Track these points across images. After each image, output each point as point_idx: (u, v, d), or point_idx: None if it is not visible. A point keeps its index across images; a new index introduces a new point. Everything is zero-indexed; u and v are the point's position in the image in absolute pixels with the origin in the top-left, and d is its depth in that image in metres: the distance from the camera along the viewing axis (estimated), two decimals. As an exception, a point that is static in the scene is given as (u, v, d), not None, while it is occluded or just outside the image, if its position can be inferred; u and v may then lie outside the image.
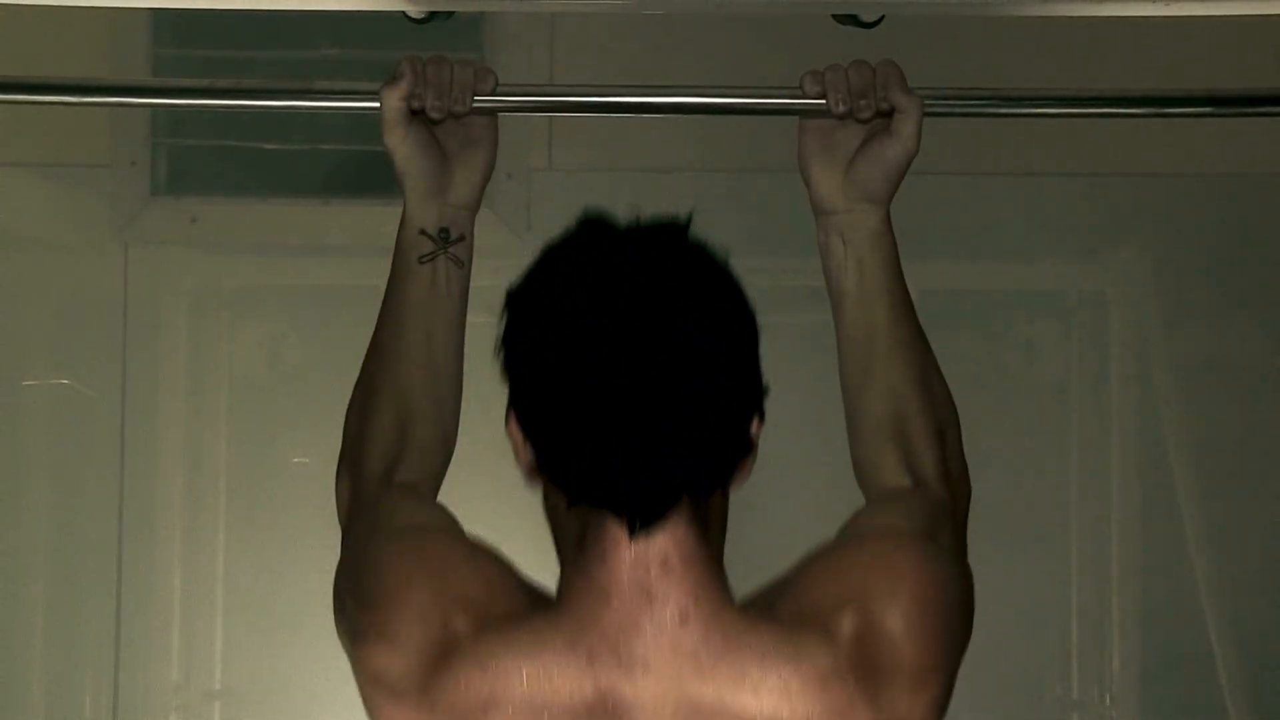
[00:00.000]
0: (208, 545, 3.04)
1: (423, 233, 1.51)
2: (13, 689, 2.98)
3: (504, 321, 1.28)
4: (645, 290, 1.23)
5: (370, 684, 1.33)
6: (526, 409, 1.27)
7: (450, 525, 1.40)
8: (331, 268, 3.01)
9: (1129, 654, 3.05)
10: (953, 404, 1.50)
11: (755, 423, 1.28)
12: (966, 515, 1.45)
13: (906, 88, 1.49)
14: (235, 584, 3.04)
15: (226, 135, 2.90)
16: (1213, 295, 3.02)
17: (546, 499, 1.32)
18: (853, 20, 1.75)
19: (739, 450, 1.27)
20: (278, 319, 3.09)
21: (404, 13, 1.72)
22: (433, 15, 1.73)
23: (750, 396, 1.27)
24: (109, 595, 2.98)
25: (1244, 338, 3.01)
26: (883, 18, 1.73)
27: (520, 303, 1.28)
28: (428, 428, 1.50)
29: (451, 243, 1.52)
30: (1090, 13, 1.70)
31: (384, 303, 1.53)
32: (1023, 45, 2.73)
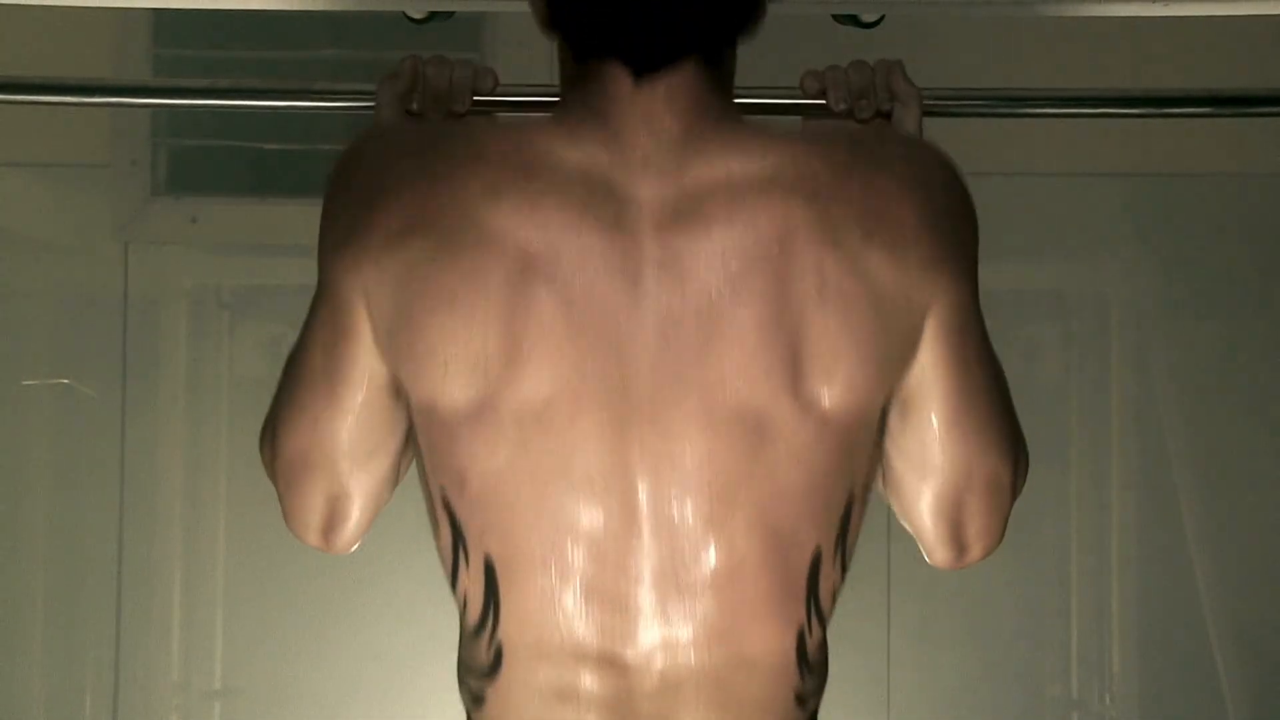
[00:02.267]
0: (208, 545, 3.04)
1: None
2: (13, 689, 2.98)
3: None
4: None
5: (367, 191, 1.32)
6: None
7: None
8: (331, 268, 3.00)
9: (1129, 654, 3.05)
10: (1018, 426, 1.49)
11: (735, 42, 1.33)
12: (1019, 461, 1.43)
13: (906, 79, 1.49)
14: (235, 584, 3.04)
15: (226, 135, 2.90)
16: (1213, 295, 3.02)
17: (561, 64, 1.35)
18: (853, 20, 1.75)
19: (749, 4, 1.32)
20: (278, 319, 3.09)
21: (404, 13, 1.72)
22: (433, 15, 1.73)
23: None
24: (109, 595, 2.98)
25: (1244, 338, 3.01)
26: (883, 18, 1.73)
27: None
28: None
29: None
30: (1090, 13, 1.70)
31: None
32: (1023, 45, 2.73)
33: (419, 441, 1.31)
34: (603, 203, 1.25)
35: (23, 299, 3.02)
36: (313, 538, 1.38)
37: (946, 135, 1.62)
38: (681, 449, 1.23)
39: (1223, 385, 3.01)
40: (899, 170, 1.29)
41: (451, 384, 1.24)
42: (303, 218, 2.96)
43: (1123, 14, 1.69)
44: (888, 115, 1.49)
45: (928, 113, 1.50)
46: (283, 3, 1.86)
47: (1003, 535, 1.36)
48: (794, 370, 1.23)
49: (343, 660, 2.82)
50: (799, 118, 1.53)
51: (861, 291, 1.24)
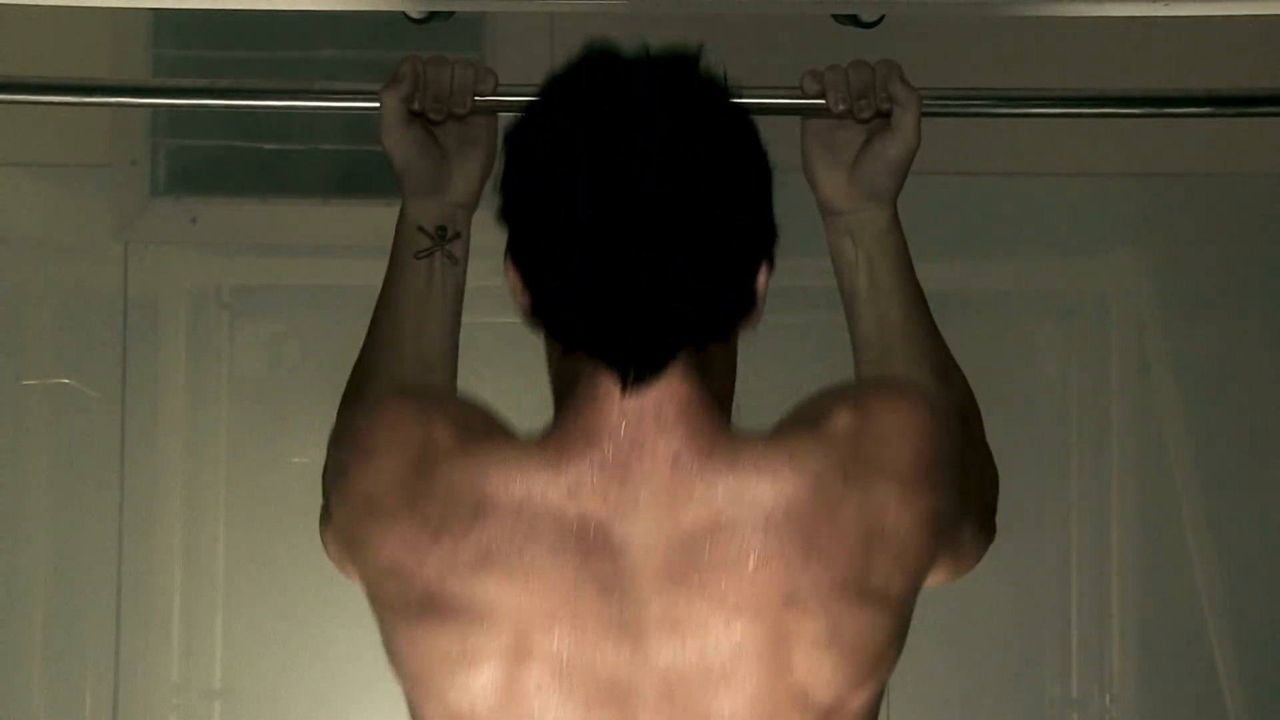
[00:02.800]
0: (208, 545, 3.04)
1: (420, 229, 1.51)
2: (13, 689, 2.98)
3: (502, 160, 1.25)
4: (649, 124, 1.18)
5: (360, 515, 1.27)
6: (522, 250, 1.22)
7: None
8: (331, 268, 3.01)
9: (1129, 654, 3.06)
10: (973, 397, 1.50)
11: (764, 271, 1.23)
12: (994, 507, 1.45)
13: (906, 82, 1.49)
14: (235, 584, 3.04)
15: (226, 135, 2.90)
16: (1213, 295, 3.02)
17: (546, 344, 1.30)
18: (853, 20, 1.75)
19: (743, 301, 1.23)
20: (278, 319, 3.09)
21: (404, 13, 1.72)
22: (433, 15, 1.73)
23: (759, 242, 1.23)
24: (109, 595, 2.98)
25: (1244, 338, 3.01)
26: (883, 18, 1.73)
27: (519, 138, 1.24)
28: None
29: (448, 240, 1.52)
30: (1090, 13, 1.70)
31: (380, 295, 1.53)
32: (1023, 45, 2.73)
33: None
34: (599, 557, 1.20)
35: (23, 299, 3.02)
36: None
37: (947, 135, 1.62)
38: None
39: (1223, 385, 3.01)
40: (892, 477, 1.23)
41: (438, 712, 1.24)
42: (303, 218, 2.98)
43: (1123, 14, 1.69)
44: (887, 115, 1.50)
45: (928, 113, 1.50)
46: (283, 3, 1.86)
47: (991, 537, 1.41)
48: (804, 712, 1.22)
49: (343, 660, 2.82)
50: (799, 119, 1.53)
51: (873, 621, 1.22)
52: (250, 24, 2.79)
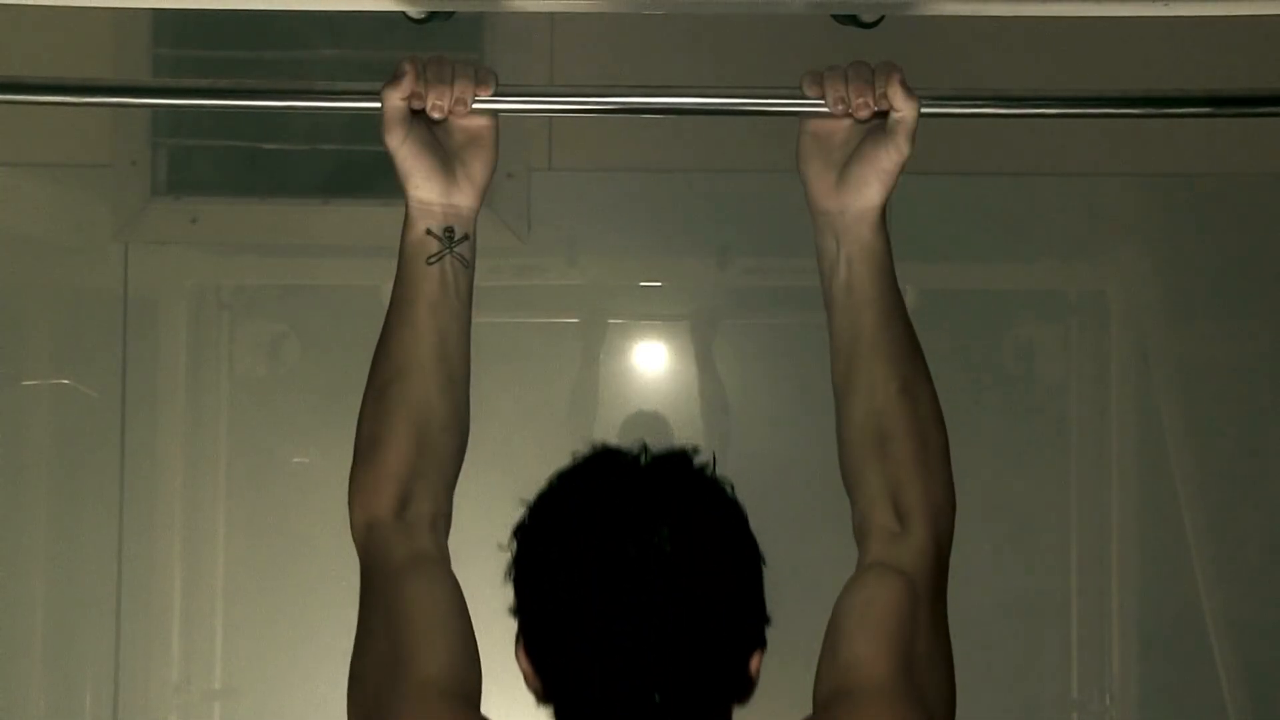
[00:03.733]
0: (208, 545, 3.04)
1: (429, 233, 1.50)
2: (13, 688, 2.98)
3: (513, 552, 1.32)
4: (651, 528, 1.26)
5: None
6: (535, 643, 1.31)
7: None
8: (331, 268, 3.01)
9: (1129, 654, 3.06)
10: (940, 416, 1.49)
11: (756, 656, 1.31)
12: (948, 549, 1.46)
13: (906, 89, 1.49)
14: (235, 584, 3.04)
15: (226, 135, 2.90)
16: (1213, 295, 3.02)
17: None
18: (853, 20, 1.75)
19: (739, 687, 1.30)
20: (278, 319, 3.09)
21: (404, 13, 1.72)
22: (433, 15, 1.73)
23: (752, 631, 1.30)
24: (109, 595, 2.98)
25: (1244, 338, 3.01)
26: (883, 18, 1.73)
27: (529, 536, 1.31)
28: (446, 435, 1.50)
29: (456, 242, 1.51)
30: (1090, 13, 1.70)
31: (392, 307, 1.52)
32: (1023, 45, 2.73)
33: None
34: None
35: (23, 299, 3.02)
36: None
37: (947, 135, 1.62)
38: None
39: (1223, 384, 3.01)
40: None
41: None
42: (303, 218, 2.98)
43: (1123, 14, 1.69)
44: (885, 115, 1.49)
45: (928, 113, 1.50)
46: (283, 3, 1.86)
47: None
48: None
49: (343, 660, 2.82)
50: (798, 119, 1.53)
51: None
52: (250, 24, 2.79)
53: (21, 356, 3.02)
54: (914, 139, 1.48)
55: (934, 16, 1.66)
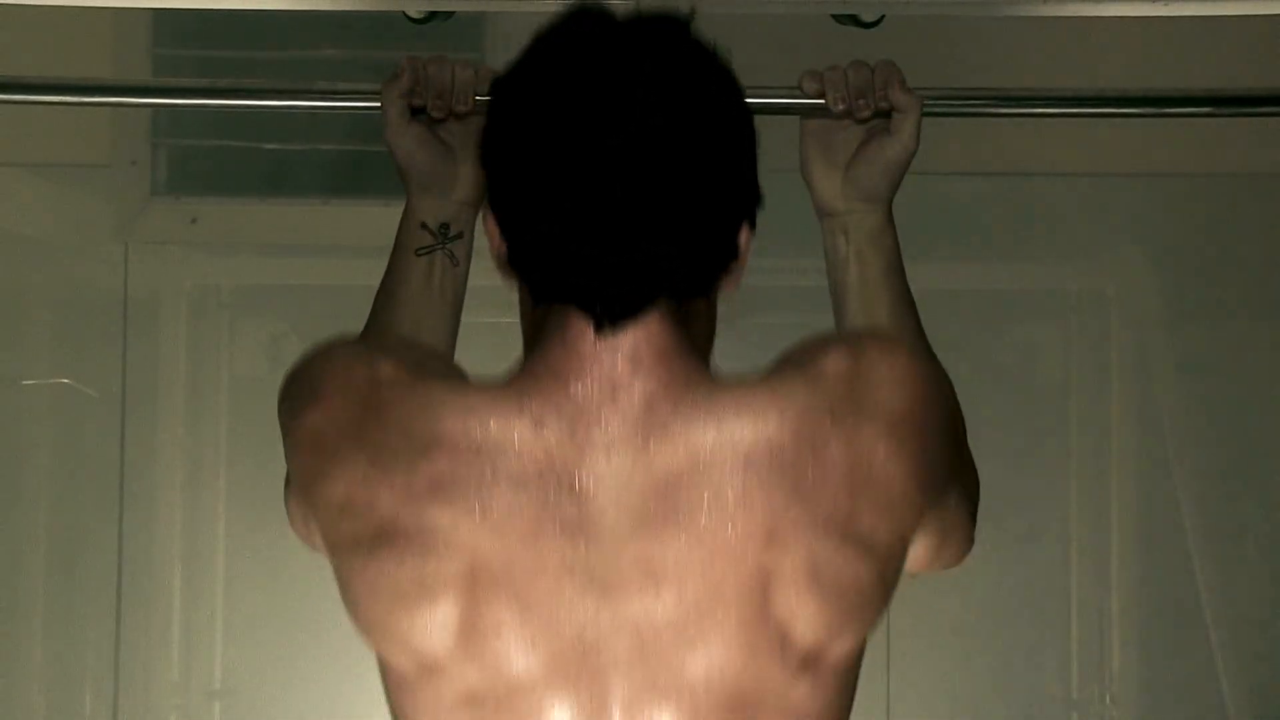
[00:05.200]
0: (208, 545, 3.04)
1: (423, 226, 1.51)
2: (13, 688, 2.98)
3: (488, 111, 1.25)
4: (636, 79, 1.18)
5: (311, 454, 1.27)
6: (502, 197, 1.22)
7: None
8: (331, 268, 3.01)
9: (1129, 654, 3.06)
10: (957, 402, 1.49)
11: (745, 231, 1.23)
12: (975, 513, 1.43)
13: (906, 87, 1.49)
14: (235, 584, 3.04)
15: (226, 135, 2.90)
16: (1213, 295, 3.02)
17: (520, 300, 1.28)
18: (853, 20, 1.75)
19: (723, 254, 1.22)
20: (278, 319, 3.09)
21: (404, 13, 1.72)
22: (433, 15, 1.74)
23: (740, 201, 1.22)
24: (109, 595, 2.98)
25: (1244, 338, 3.01)
26: (883, 18, 1.73)
27: (503, 89, 1.25)
28: None
29: (450, 239, 1.52)
30: (1090, 13, 1.70)
31: (378, 290, 1.53)
32: (1023, 45, 2.73)
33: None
34: (565, 500, 1.17)
35: (23, 299, 3.02)
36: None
37: (947, 135, 1.62)
38: None
39: (1223, 385, 3.01)
40: (881, 419, 1.20)
41: (401, 659, 1.21)
42: (303, 218, 2.98)
43: (1123, 14, 1.69)
44: (886, 115, 1.50)
45: (928, 113, 1.50)
46: (283, 3, 1.86)
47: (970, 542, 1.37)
48: (783, 658, 1.18)
49: (343, 660, 2.82)
50: (799, 120, 1.53)
51: (856, 564, 1.18)
52: (250, 24, 2.79)
53: (21, 356, 3.02)
54: (919, 136, 1.49)
55: (934, 16, 1.66)
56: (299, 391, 1.31)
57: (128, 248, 2.99)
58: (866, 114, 1.49)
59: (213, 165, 2.94)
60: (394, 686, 1.23)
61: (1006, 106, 1.70)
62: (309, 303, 3.06)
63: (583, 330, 1.20)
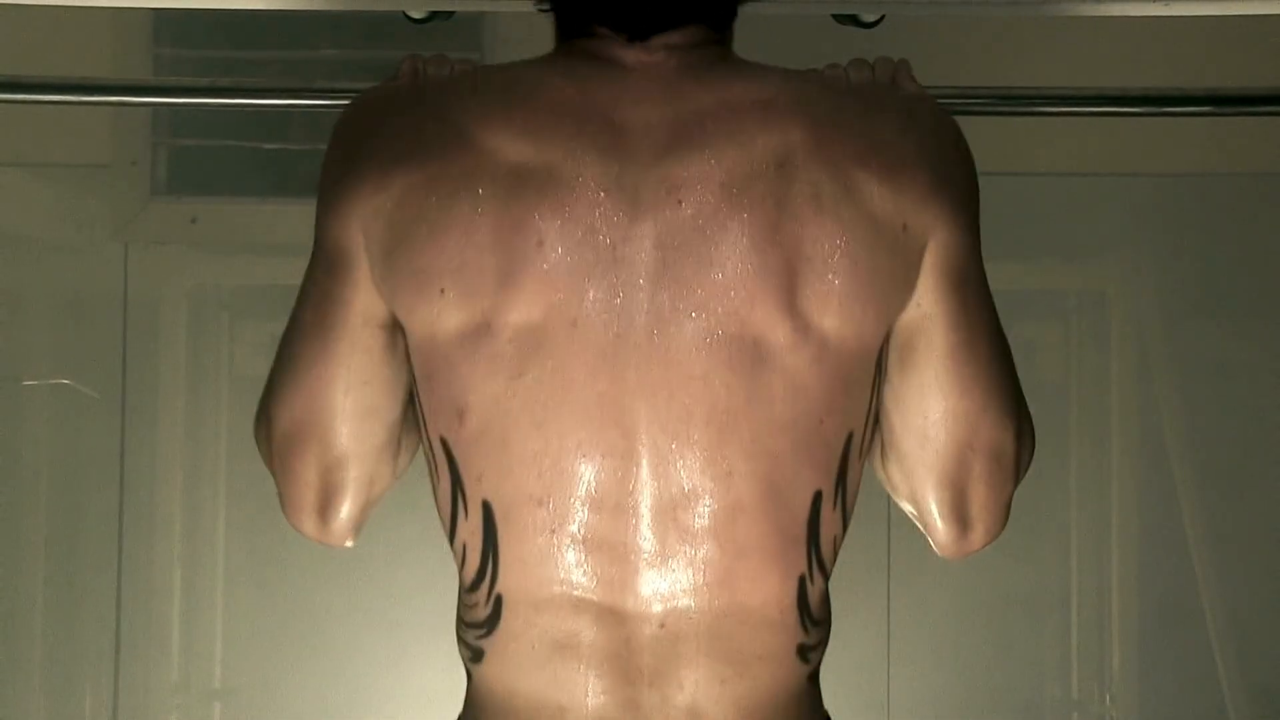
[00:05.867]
0: (208, 545, 3.04)
1: None
2: (13, 688, 2.98)
3: None
4: None
5: (341, 168, 1.31)
6: None
7: None
8: (331, 268, 3.00)
9: (1129, 654, 3.05)
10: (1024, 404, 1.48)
11: None
12: (1030, 443, 1.41)
13: (910, 76, 1.49)
14: (235, 584, 3.04)
15: (226, 135, 2.90)
16: (1213, 295, 3.02)
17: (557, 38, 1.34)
18: (853, 20, 1.75)
19: None
20: (278, 319, 3.07)
21: (404, 13, 1.72)
22: (433, 15, 1.73)
23: None
24: (109, 595, 2.98)
25: (1244, 338, 3.01)
26: (883, 18, 1.73)
27: None
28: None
29: None
30: (1090, 12, 1.70)
31: None
32: (1023, 45, 2.73)
33: (418, 389, 1.29)
34: (599, 129, 1.23)
35: (23, 299, 3.02)
36: (308, 523, 1.36)
37: (946, 135, 1.61)
38: (679, 373, 1.21)
39: (1223, 385, 3.01)
40: (898, 109, 1.29)
41: (448, 308, 1.23)
42: (303, 218, 2.97)
43: (1123, 14, 1.69)
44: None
45: (928, 112, 1.50)
46: (283, 3, 1.86)
47: (1005, 520, 1.34)
48: (791, 293, 1.22)
49: (343, 660, 2.82)
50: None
51: (858, 214, 1.23)
52: (250, 24, 2.79)
53: (21, 356, 3.02)
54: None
55: (934, 16, 1.66)
56: (351, 112, 1.35)
57: (128, 248, 2.99)
58: (867, 113, 1.50)
59: (213, 165, 2.94)
60: (439, 369, 1.26)
61: (1006, 106, 1.70)
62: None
63: (617, 41, 1.28)
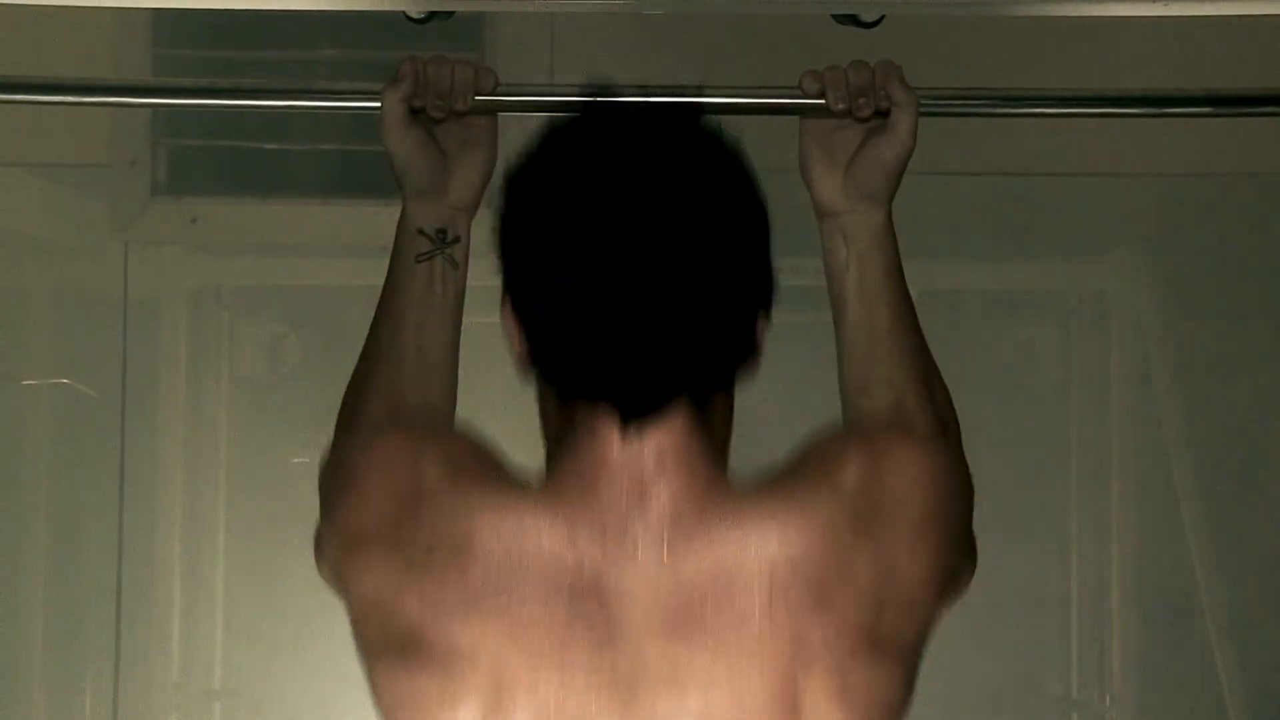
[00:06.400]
0: (208, 545, 3.04)
1: (420, 232, 1.51)
2: (13, 688, 2.98)
3: (501, 203, 1.24)
4: (650, 173, 1.18)
5: (346, 548, 1.27)
6: (520, 294, 1.22)
7: None
8: (331, 268, 3.01)
9: (1129, 654, 3.06)
10: (953, 410, 1.49)
11: (762, 320, 1.24)
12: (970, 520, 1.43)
13: (904, 84, 1.49)
14: (235, 584, 3.04)
15: (226, 135, 2.90)
16: (1213, 295, 3.02)
17: (540, 397, 1.29)
18: (853, 20, 1.75)
19: (743, 350, 1.23)
20: (278, 319, 3.09)
21: (404, 13, 1.72)
22: (433, 15, 1.73)
23: (758, 293, 1.23)
24: (109, 595, 2.98)
25: (1244, 338, 3.01)
26: (883, 18, 1.73)
27: (517, 181, 1.24)
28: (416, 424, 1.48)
29: (448, 244, 1.51)
30: (1090, 13, 1.70)
31: (380, 301, 1.52)
32: (1023, 45, 2.73)
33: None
34: (592, 605, 1.19)
35: (23, 299, 3.02)
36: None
37: (947, 135, 1.62)
38: None
39: (1223, 385, 3.01)
40: (904, 524, 1.23)
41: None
42: (303, 218, 2.98)
43: (1123, 14, 1.69)
44: (885, 114, 1.50)
45: (928, 113, 1.50)
46: (283, 3, 1.86)
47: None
48: None
49: (343, 660, 2.82)
50: (799, 120, 1.53)
51: (883, 671, 1.22)
52: (250, 24, 2.79)
53: (21, 356, 3.02)
54: (915, 133, 1.49)
55: (934, 16, 1.66)
56: (341, 478, 1.30)
57: (128, 248, 2.99)
58: (867, 113, 1.49)
59: (213, 165, 2.94)
60: None
61: (1006, 106, 1.70)
62: (309, 303, 3.06)
63: (608, 431, 1.21)
